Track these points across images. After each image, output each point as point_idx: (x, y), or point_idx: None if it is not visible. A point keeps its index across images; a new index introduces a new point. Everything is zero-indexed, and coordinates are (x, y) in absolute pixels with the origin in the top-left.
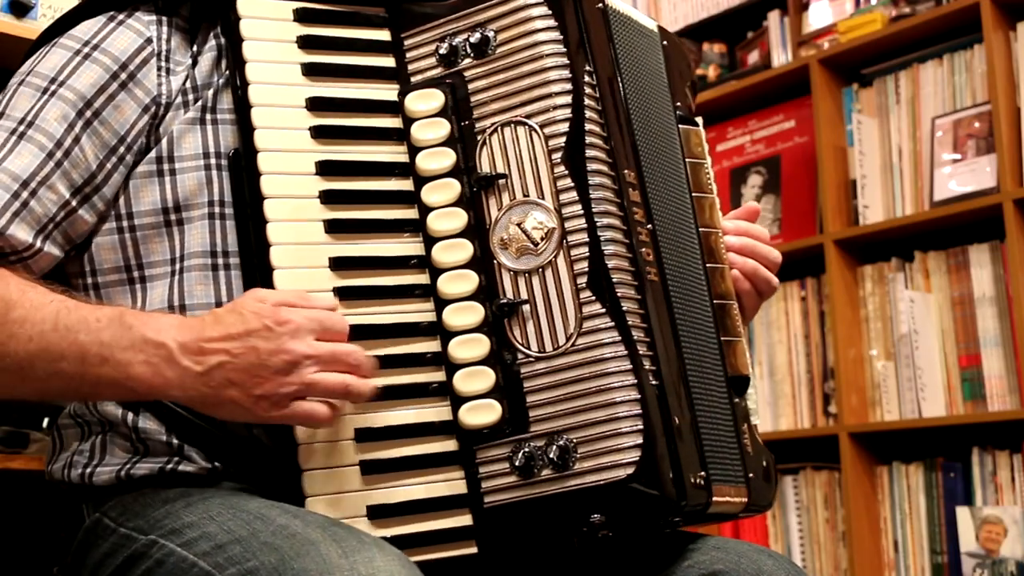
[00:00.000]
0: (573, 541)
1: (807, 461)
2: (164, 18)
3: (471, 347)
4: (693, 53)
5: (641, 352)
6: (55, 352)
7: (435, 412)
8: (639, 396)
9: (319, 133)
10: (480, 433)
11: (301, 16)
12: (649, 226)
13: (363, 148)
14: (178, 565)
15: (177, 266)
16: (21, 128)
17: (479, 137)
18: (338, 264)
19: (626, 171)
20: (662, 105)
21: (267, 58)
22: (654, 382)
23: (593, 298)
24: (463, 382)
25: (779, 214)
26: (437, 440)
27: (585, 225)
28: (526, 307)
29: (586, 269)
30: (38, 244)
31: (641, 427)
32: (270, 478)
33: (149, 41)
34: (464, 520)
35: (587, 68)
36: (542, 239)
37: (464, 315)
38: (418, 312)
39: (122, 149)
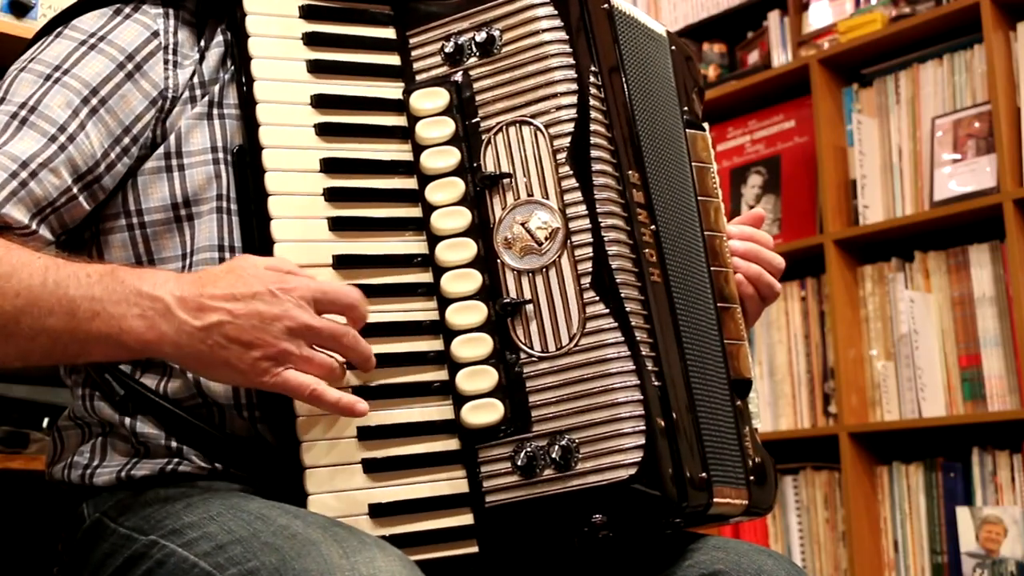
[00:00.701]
0: (574, 541)
1: (807, 461)
2: (171, 11)
3: (474, 346)
4: (693, 53)
5: (644, 353)
6: (43, 307)
7: (437, 411)
8: (641, 397)
9: (324, 130)
10: (482, 432)
11: (307, 13)
12: (652, 227)
13: (368, 146)
14: (179, 565)
15: (187, 261)
16: (23, 113)
17: (484, 136)
18: (342, 262)
19: (630, 172)
20: (669, 108)
21: (272, 55)
22: (656, 383)
23: (596, 298)
24: (466, 381)
25: (779, 214)
26: (439, 439)
27: (589, 225)
28: (529, 307)
29: (590, 269)
30: (33, 226)
31: (643, 427)
32: (272, 476)
33: (156, 34)
34: (465, 519)
35: (592, 68)
36: (546, 239)
37: (467, 314)
38: (421, 311)
39: (127, 140)
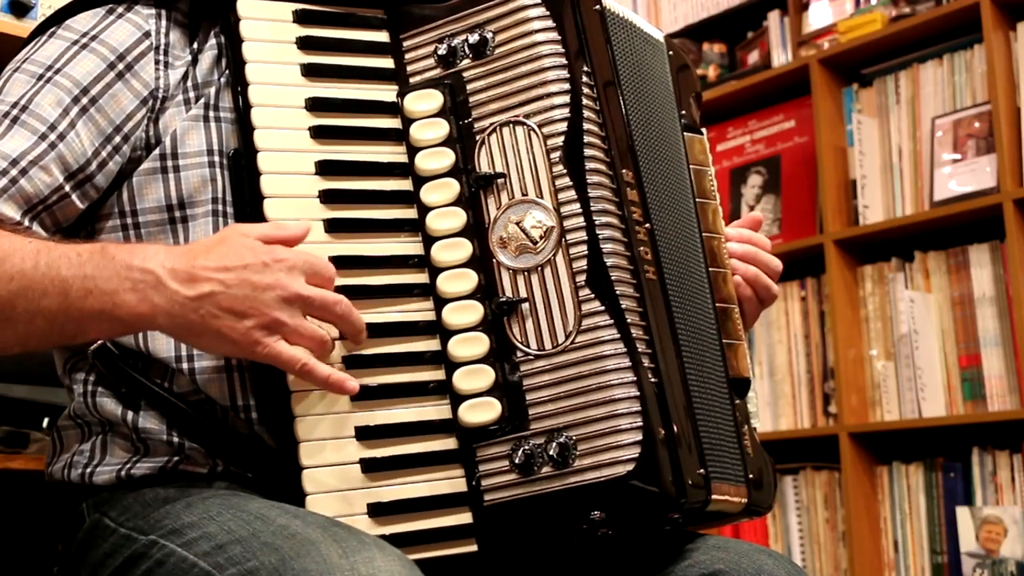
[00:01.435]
0: (573, 540)
1: (807, 461)
2: (163, 12)
3: (470, 345)
4: (693, 53)
5: (640, 350)
6: (37, 289)
7: (435, 411)
8: (638, 393)
9: (319, 133)
10: (480, 431)
11: (300, 17)
12: (647, 225)
13: (362, 148)
14: (178, 565)
15: None
16: (14, 112)
17: (478, 137)
18: (338, 263)
19: (624, 171)
20: (665, 111)
21: (267, 59)
22: (653, 380)
23: (592, 296)
24: (463, 380)
25: (779, 214)
26: (437, 438)
27: (584, 224)
28: (525, 305)
29: (585, 267)
30: (25, 223)
31: (640, 424)
32: (271, 476)
33: (148, 35)
34: (464, 518)
35: (585, 69)
36: (541, 238)
37: (463, 314)
38: (417, 311)
39: (118, 138)
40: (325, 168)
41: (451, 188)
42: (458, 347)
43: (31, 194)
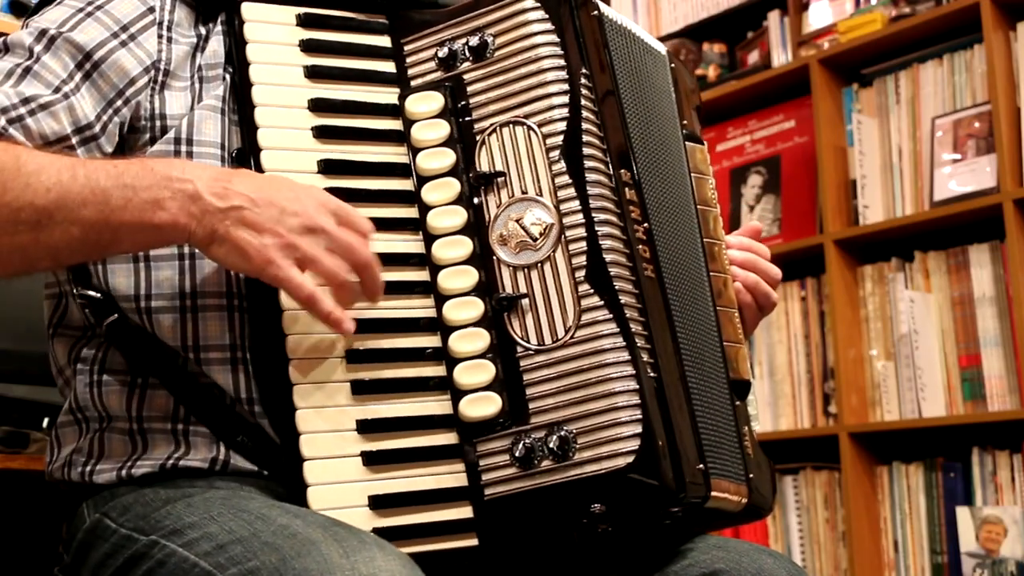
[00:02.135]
0: (573, 535)
1: (807, 461)
2: None
3: (471, 341)
4: (693, 53)
5: (639, 344)
6: (76, 199)
7: (436, 406)
8: (637, 387)
9: (321, 133)
10: (480, 425)
11: (304, 21)
12: (645, 225)
13: (364, 148)
14: (179, 565)
15: (186, 250)
16: (27, 63)
17: (478, 137)
18: None
19: (622, 171)
20: (667, 117)
21: (270, 60)
22: (652, 374)
23: (592, 291)
24: (463, 375)
25: (779, 214)
26: (438, 433)
27: (583, 221)
28: (525, 301)
29: (584, 263)
30: None
31: (640, 417)
32: (272, 466)
33: (152, 10)
34: (465, 512)
35: (583, 71)
36: (541, 235)
37: (464, 310)
38: (419, 308)
39: (119, 102)
40: (327, 167)
41: (452, 187)
42: (459, 342)
43: (36, 133)
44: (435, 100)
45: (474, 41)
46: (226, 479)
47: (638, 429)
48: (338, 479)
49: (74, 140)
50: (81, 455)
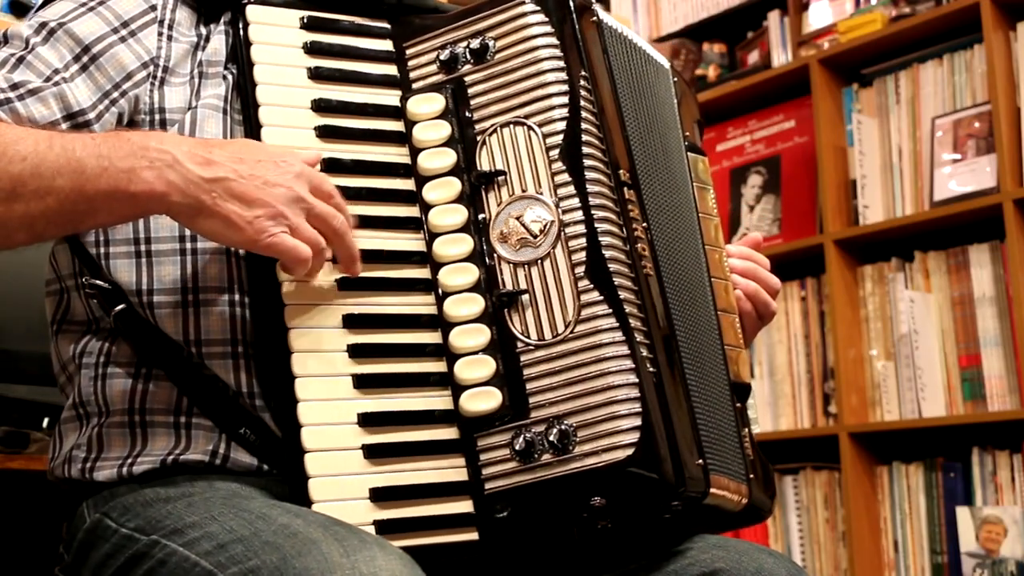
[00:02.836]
0: (573, 531)
1: (807, 461)
2: None
3: (472, 336)
4: (693, 53)
5: (638, 339)
6: (51, 167)
7: (437, 401)
8: (637, 380)
9: (324, 133)
10: (481, 420)
11: (308, 24)
12: (644, 223)
13: (367, 148)
14: (180, 565)
15: (188, 245)
16: (20, 53)
17: (479, 137)
18: None
19: (621, 170)
20: (668, 126)
21: (274, 61)
22: (651, 369)
23: (591, 287)
24: (464, 370)
25: (779, 214)
26: (439, 427)
27: (583, 218)
28: (525, 297)
29: (584, 259)
30: None
31: (639, 410)
32: (273, 458)
33: (153, 8)
34: (465, 506)
35: (582, 73)
36: (541, 232)
37: (465, 306)
38: (420, 305)
39: (116, 94)
40: (330, 166)
41: (453, 186)
42: (459, 338)
43: (24, 117)
44: (436, 101)
45: (475, 44)
46: (226, 479)
47: (637, 422)
48: (339, 471)
49: (64, 126)
50: (81, 451)
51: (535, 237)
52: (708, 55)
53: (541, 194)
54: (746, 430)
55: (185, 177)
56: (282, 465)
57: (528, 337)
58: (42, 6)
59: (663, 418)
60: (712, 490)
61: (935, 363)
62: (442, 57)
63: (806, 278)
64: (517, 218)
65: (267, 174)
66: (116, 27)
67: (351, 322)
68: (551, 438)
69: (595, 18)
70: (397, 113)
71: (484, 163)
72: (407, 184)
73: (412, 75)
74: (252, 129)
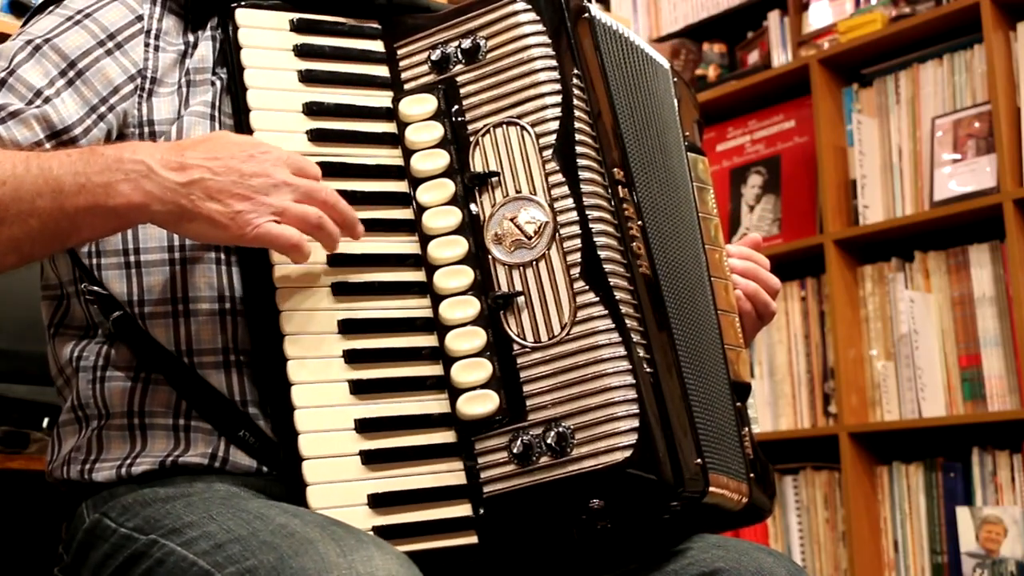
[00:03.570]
0: (572, 532)
1: (807, 461)
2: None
3: (468, 339)
4: (693, 53)
5: (635, 340)
6: (30, 190)
7: (433, 405)
8: (634, 381)
9: (316, 136)
10: (478, 423)
11: (297, 27)
12: (640, 223)
13: (359, 151)
14: (178, 564)
15: (176, 255)
16: (2, 75)
17: (472, 138)
18: (335, 262)
19: (615, 169)
20: (667, 124)
21: (264, 65)
22: (648, 369)
23: (587, 287)
24: (461, 373)
25: (779, 214)
26: (436, 431)
27: (577, 218)
28: (521, 299)
29: (579, 260)
30: None
31: (636, 411)
32: (271, 464)
33: (140, 18)
34: (464, 510)
35: (575, 72)
36: (535, 233)
37: (460, 309)
38: (416, 308)
39: (103, 108)
40: (323, 171)
41: (446, 188)
42: (456, 341)
43: (7, 141)
44: (428, 102)
45: (466, 44)
46: (225, 480)
47: (635, 423)
48: (337, 478)
49: (48, 145)
50: (80, 452)
51: (529, 238)
52: (708, 55)
53: (535, 195)
54: (746, 429)
55: (162, 185)
56: (281, 469)
57: (524, 339)
58: (28, 21)
59: (661, 419)
60: (711, 488)
61: (935, 363)
62: (433, 57)
63: (806, 278)
64: (511, 219)
65: (243, 166)
66: (102, 40)
67: (346, 327)
68: (549, 440)
69: (587, 15)
70: (389, 115)
71: (477, 164)
72: (400, 186)
73: (403, 75)
74: (243, 133)
